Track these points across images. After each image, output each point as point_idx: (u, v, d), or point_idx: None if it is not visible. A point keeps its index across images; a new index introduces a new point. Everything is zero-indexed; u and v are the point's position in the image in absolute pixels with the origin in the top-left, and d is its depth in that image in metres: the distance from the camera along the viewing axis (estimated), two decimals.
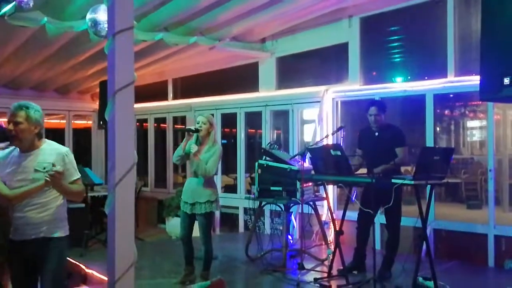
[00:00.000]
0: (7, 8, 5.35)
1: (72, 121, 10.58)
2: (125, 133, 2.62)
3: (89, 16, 4.10)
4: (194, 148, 4.93)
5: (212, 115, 5.92)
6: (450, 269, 5.75)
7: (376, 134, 5.39)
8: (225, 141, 9.69)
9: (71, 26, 6.05)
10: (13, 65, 8.16)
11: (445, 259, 6.09)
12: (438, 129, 10.29)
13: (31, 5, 4.80)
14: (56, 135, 10.28)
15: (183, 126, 9.47)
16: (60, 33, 6.34)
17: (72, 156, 3.34)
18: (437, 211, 6.50)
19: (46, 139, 3.36)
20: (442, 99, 7.23)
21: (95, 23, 3.99)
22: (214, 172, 4.99)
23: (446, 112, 10.81)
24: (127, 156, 2.61)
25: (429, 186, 4.67)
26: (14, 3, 4.88)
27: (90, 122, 10.92)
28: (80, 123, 11.01)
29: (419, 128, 6.81)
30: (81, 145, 10.98)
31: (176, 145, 6.06)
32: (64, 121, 10.48)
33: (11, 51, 7.23)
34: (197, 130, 5.01)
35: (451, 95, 7.43)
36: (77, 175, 3.34)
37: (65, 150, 3.35)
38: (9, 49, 7.16)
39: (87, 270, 5.67)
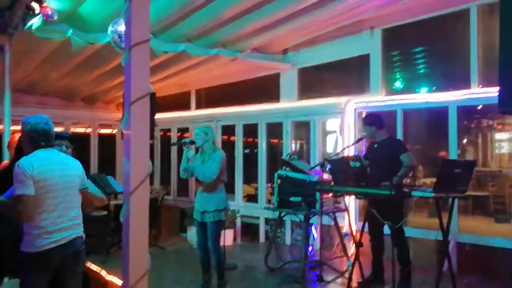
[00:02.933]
0: (34, 21, 5.54)
1: (98, 130, 10.79)
2: (140, 143, 2.68)
3: (110, 28, 4.19)
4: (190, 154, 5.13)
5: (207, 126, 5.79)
6: (472, 283, 5.62)
7: (375, 146, 5.41)
8: (247, 151, 9.73)
9: (96, 38, 6.20)
10: (40, 76, 8.39)
11: (468, 273, 5.95)
12: (464, 141, 10.13)
13: (55, 18, 4.95)
14: (83, 143, 10.51)
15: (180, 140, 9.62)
16: (84, 45, 6.50)
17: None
18: (462, 224, 6.38)
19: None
20: (468, 111, 7.12)
21: (116, 35, 4.07)
22: (215, 176, 5.05)
23: (473, 124, 10.63)
24: (142, 166, 2.67)
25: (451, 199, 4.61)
26: (40, 16, 5.04)
27: (114, 131, 11.10)
28: (106, 132, 11.21)
29: (443, 141, 6.73)
30: (106, 153, 11.16)
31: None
32: (90, 130, 10.69)
33: (38, 62, 7.44)
34: (192, 142, 5.14)
35: (478, 107, 7.31)
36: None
37: None
38: (36, 60, 7.37)
39: (107, 277, 5.73)
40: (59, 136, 3.76)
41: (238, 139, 9.11)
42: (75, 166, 3.39)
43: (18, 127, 3.61)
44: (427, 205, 7.41)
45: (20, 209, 3.05)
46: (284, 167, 6.27)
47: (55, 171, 3.19)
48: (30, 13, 5.36)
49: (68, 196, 3.23)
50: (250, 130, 9.13)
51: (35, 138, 3.24)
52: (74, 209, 3.28)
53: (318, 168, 5.85)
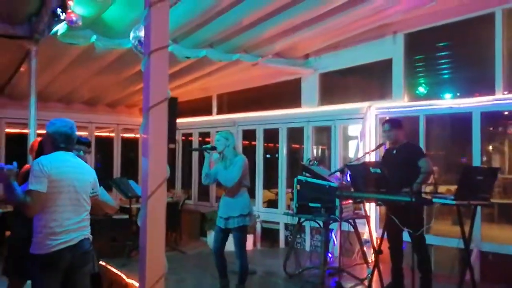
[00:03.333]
0: (59, 27, 5.66)
1: (121, 134, 10.93)
2: (158, 148, 2.71)
3: (132, 34, 4.24)
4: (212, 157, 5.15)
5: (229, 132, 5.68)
6: None
7: (394, 152, 5.35)
8: (269, 156, 9.74)
9: (119, 44, 6.30)
10: (65, 81, 8.55)
11: (491, 283, 5.83)
12: (489, 148, 9.92)
13: (80, 24, 5.05)
14: (106, 147, 10.67)
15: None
16: (108, 50, 6.61)
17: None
18: (486, 232, 6.26)
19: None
20: (492, 117, 6.98)
21: (137, 41, 4.12)
22: (236, 180, 5.04)
23: (498, 130, 10.41)
24: (160, 170, 2.69)
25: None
26: (65, 22, 5.15)
27: (137, 135, 11.23)
28: (128, 136, 11.35)
29: (467, 147, 6.61)
30: (129, 157, 11.30)
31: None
32: (113, 134, 10.84)
33: (63, 67, 7.59)
34: (213, 148, 5.14)
35: (504, 113, 7.16)
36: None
37: None
38: (61, 66, 7.52)
39: (127, 280, 5.79)
40: (78, 141, 3.86)
41: (259, 144, 9.12)
42: (89, 172, 3.49)
43: (43, 131, 3.71)
44: (451, 213, 7.28)
45: (29, 203, 3.12)
46: (304, 173, 6.25)
47: (70, 173, 3.28)
48: (56, 19, 5.48)
49: (79, 200, 3.31)
50: (271, 135, 9.13)
51: (57, 140, 3.35)
52: (83, 213, 3.36)
53: (338, 174, 5.81)
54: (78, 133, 3.61)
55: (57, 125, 3.38)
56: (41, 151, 3.77)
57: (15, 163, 3.15)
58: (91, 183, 3.44)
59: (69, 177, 3.27)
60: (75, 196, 3.28)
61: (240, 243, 5.06)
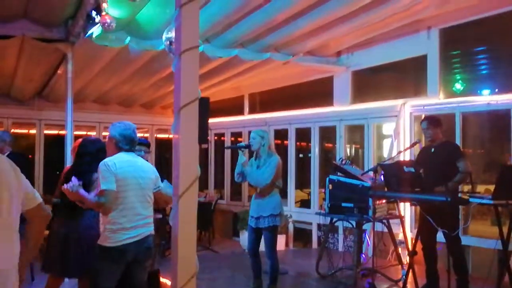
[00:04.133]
0: (94, 29, 5.78)
1: (155, 135, 11.08)
2: (189, 148, 2.73)
3: (165, 35, 4.29)
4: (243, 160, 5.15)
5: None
6: None
7: (432, 150, 5.23)
8: (301, 155, 9.70)
9: (152, 45, 6.38)
10: (101, 82, 8.73)
11: None
12: None
13: (114, 26, 5.14)
14: None
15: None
16: (142, 52, 6.70)
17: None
18: None
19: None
20: None
21: (170, 42, 4.17)
22: (268, 182, 5.01)
23: None
24: (191, 170, 2.71)
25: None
26: (99, 25, 5.25)
27: (171, 135, 11.35)
28: (163, 136, 11.50)
29: (506, 145, 6.41)
30: (164, 157, 11.44)
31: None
32: (148, 135, 11.00)
33: (99, 69, 7.75)
34: (247, 146, 5.13)
35: None
36: None
37: None
38: (96, 68, 7.68)
39: (162, 279, 5.87)
40: (140, 142, 4.20)
41: (291, 143, 9.09)
42: (150, 169, 3.71)
43: (82, 132, 3.89)
44: (489, 213, 7.08)
45: (103, 202, 3.35)
46: (336, 172, 6.18)
47: (134, 172, 3.51)
48: (91, 22, 5.60)
49: (144, 196, 3.53)
50: (303, 134, 9.08)
51: (121, 142, 3.59)
52: (148, 208, 3.58)
53: (371, 173, 5.72)
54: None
55: (122, 128, 3.62)
56: (81, 155, 3.96)
57: (79, 180, 3.41)
58: (153, 180, 3.65)
59: (134, 175, 3.49)
60: (141, 192, 3.50)
61: (271, 243, 5.05)
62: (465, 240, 5.53)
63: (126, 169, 3.48)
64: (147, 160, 4.09)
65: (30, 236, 2.54)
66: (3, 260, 2.31)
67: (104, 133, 9.65)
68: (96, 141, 4.34)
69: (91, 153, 4.05)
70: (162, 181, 3.82)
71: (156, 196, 3.68)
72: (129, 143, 3.61)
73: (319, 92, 8.96)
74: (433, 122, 5.32)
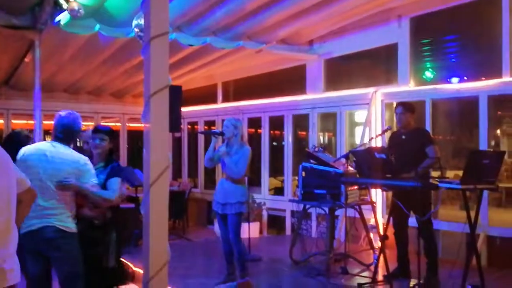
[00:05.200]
0: (62, 16, 5.65)
1: (127, 124, 10.93)
2: (160, 136, 2.70)
3: (134, 22, 4.23)
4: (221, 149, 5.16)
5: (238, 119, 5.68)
6: (502, 278, 5.48)
7: (403, 137, 5.30)
8: (275, 143, 9.73)
9: (122, 32, 6.28)
10: (70, 70, 8.55)
11: (498, 268, 5.81)
12: (497, 132, 9.84)
13: (82, 13, 5.03)
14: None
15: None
16: (112, 39, 6.59)
17: None
18: (493, 217, 6.22)
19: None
20: (499, 100, 6.91)
21: (140, 29, 4.11)
22: (243, 173, 5.08)
23: (507, 113, 10.32)
24: (162, 158, 2.69)
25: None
26: (67, 11, 5.13)
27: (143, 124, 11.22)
28: (134, 126, 11.36)
29: (474, 131, 6.57)
30: (135, 147, 11.32)
31: None
32: (120, 124, 10.85)
33: (67, 57, 7.58)
34: (222, 133, 5.12)
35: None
36: None
37: None
38: (65, 56, 7.52)
39: (134, 268, 5.84)
40: (98, 129, 4.04)
41: (265, 131, 9.10)
42: (66, 161, 3.55)
43: (51, 122, 3.84)
44: (458, 198, 7.26)
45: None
46: (309, 159, 6.23)
47: (37, 161, 3.49)
48: (58, 8, 5.47)
49: (42, 188, 3.40)
50: (277, 123, 9.11)
51: (56, 130, 3.62)
52: (50, 201, 3.47)
53: (343, 160, 5.78)
54: (85, 123, 3.70)
55: (58, 117, 3.64)
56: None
57: None
58: (66, 171, 3.50)
59: (36, 164, 3.48)
60: (39, 183, 3.37)
61: (236, 229, 5.09)
62: (435, 224, 5.64)
63: (30, 157, 3.49)
64: (105, 148, 3.93)
65: (19, 215, 2.73)
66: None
67: None
68: (12, 134, 4.40)
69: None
70: (132, 171, 3.72)
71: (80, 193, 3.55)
72: (62, 132, 3.60)
73: (292, 80, 8.98)
74: (408, 108, 5.36)
